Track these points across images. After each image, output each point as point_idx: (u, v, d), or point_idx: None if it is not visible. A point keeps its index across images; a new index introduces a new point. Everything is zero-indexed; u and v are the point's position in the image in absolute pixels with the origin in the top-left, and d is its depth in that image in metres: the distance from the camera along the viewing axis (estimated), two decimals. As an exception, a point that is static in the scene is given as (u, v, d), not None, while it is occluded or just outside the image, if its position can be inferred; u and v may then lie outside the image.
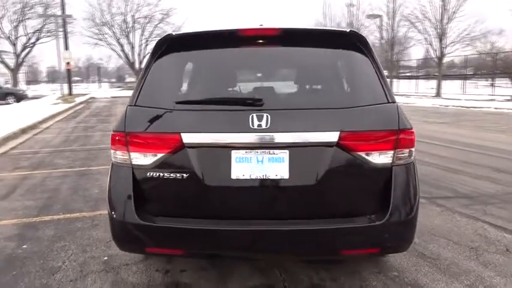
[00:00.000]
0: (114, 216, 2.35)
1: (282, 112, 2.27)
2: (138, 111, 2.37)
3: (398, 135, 2.28)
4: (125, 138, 2.32)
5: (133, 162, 2.32)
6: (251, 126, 2.21)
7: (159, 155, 2.28)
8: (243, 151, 2.25)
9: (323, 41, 2.52)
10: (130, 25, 44.25)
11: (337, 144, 2.22)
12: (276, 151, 2.24)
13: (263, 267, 2.98)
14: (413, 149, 2.38)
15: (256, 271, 2.94)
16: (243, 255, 2.49)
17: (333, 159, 2.24)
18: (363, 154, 2.24)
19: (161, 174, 2.30)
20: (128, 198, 2.33)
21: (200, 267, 2.99)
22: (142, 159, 2.31)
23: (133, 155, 2.32)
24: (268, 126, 2.21)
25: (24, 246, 3.47)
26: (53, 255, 3.27)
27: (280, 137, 2.22)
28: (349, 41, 2.47)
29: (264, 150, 2.25)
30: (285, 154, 2.24)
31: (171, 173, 2.29)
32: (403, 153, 2.32)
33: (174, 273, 2.94)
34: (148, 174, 2.32)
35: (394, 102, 2.37)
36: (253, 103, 2.26)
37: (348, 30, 2.50)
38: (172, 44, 2.49)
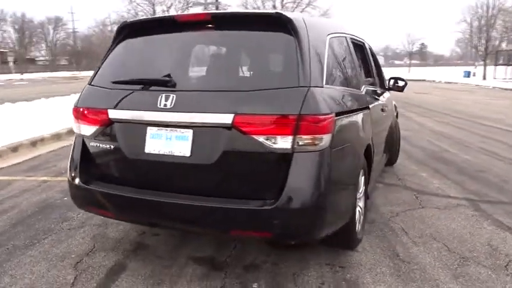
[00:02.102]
0: (68, 177, 2.80)
1: (187, 93, 2.40)
2: (90, 89, 2.76)
3: (298, 121, 2.21)
4: (77, 112, 2.73)
5: (81, 133, 2.73)
6: (158, 106, 2.40)
7: (95, 128, 2.64)
8: (156, 128, 2.46)
9: (249, 24, 2.52)
10: (279, 10, 45.68)
11: (233, 127, 2.27)
12: (182, 130, 2.39)
13: (222, 242, 3.15)
14: (323, 136, 2.27)
15: (212, 245, 3.12)
16: (146, 221, 2.71)
17: (230, 141, 2.30)
18: (260, 138, 2.24)
19: (97, 144, 2.66)
20: (76, 163, 2.75)
21: (171, 235, 3.30)
22: (86, 130, 2.70)
23: (82, 126, 2.72)
24: (172, 106, 2.37)
25: (65, 198, 4.24)
26: (75, 208, 3.93)
27: (182, 117, 2.36)
28: (274, 23, 2.44)
29: (172, 129, 2.42)
30: (188, 133, 2.38)
31: (103, 144, 2.63)
32: (306, 140, 2.23)
33: (146, 236, 3.32)
34: (90, 143, 2.70)
35: (307, 86, 2.27)
36: (164, 84, 2.44)
37: (273, 12, 2.45)
38: (124, 30, 2.80)
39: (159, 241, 3.22)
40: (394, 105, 5.39)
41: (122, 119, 2.54)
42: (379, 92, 4.22)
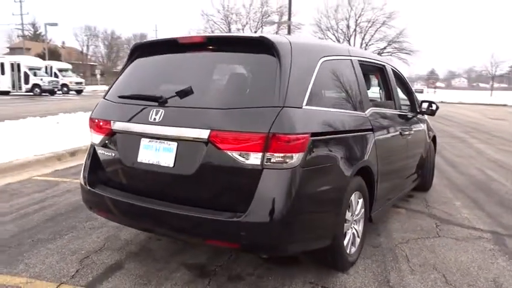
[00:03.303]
0: (80, 180, 3.13)
1: (174, 109, 2.61)
2: (103, 102, 3.08)
3: (268, 139, 2.32)
4: (91, 122, 3.06)
5: (92, 141, 3.06)
6: (149, 120, 2.64)
7: (102, 136, 2.94)
8: (148, 140, 2.70)
9: (238, 46, 2.69)
10: (353, 29, 45.48)
11: (209, 142, 2.43)
12: (169, 142, 2.61)
13: (219, 252, 3.29)
14: (294, 155, 2.36)
15: (208, 253, 3.28)
16: (136, 226, 2.92)
17: (207, 155, 2.46)
18: (233, 153, 2.38)
19: (103, 152, 2.96)
20: (86, 168, 3.08)
21: (173, 241, 3.50)
22: (95, 138, 3.02)
23: (93, 135, 3.04)
24: (160, 120, 2.60)
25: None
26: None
27: (168, 131, 2.58)
28: (260, 46, 2.58)
29: (161, 141, 2.64)
30: (173, 146, 2.59)
31: (107, 151, 2.93)
32: (275, 157, 2.34)
33: (151, 240, 3.55)
34: (98, 151, 3.01)
35: (280, 106, 2.38)
36: (156, 100, 2.67)
37: (258, 36, 2.60)
38: (136, 50, 3.11)
39: (161, 246, 3.44)
40: (429, 129, 5.22)
41: (121, 130, 2.82)
42: (399, 115, 4.15)
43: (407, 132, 4.19)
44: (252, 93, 2.53)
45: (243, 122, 2.40)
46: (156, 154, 2.65)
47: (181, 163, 2.56)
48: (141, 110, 2.71)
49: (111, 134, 2.88)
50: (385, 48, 44.20)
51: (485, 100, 39.26)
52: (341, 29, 45.13)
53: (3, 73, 29.08)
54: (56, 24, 45.23)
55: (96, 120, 2.99)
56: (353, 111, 3.12)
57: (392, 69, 4.35)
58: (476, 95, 51.70)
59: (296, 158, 2.37)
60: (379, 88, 4.38)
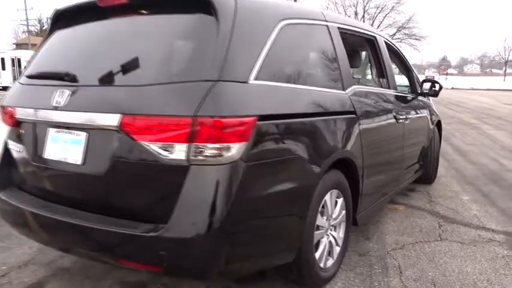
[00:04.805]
0: None
1: (83, 89, 2.00)
2: (15, 86, 2.47)
3: (195, 125, 1.70)
4: (2, 111, 2.46)
5: (3, 134, 2.46)
6: (51, 104, 2.03)
7: (8, 128, 2.35)
8: (55, 129, 2.09)
9: (167, 7, 2.04)
10: (361, 16, 44.34)
11: (121, 130, 1.82)
12: (78, 132, 2.00)
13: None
14: (231, 145, 1.73)
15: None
16: (41, 240, 2.32)
17: (119, 148, 1.85)
18: (151, 145, 1.77)
19: (12, 147, 2.36)
20: None
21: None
22: (4, 131, 2.42)
23: (2, 127, 2.44)
24: (65, 103, 1.99)
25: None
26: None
27: (74, 117, 1.97)
28: (194, 5, 1.95)
29: (70, 131, 2.03)
30: (82, 137, 1.98)
31: (16, 146, 2.32)
32: (206, 150, 1.72)
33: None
34: (6, 145, 2.41)
35: (214, 80, 1.76)
36: (61, 78, 2.06)
37: None
38: (54, 19, 2.49)
39: (99, 258, 2.85)
40: (432, 112, 4.54)
41: (25, 119, 2.22)
42: (395, 95, 3.49)
43: (404, 117, 3.52)
44: (179, 65, 1.90)
45: (163, 103, 1.79)
46: (64, 148, 2.04)
47: (92, 160, 1.95)
48: (46, 93, 2.11)
49: (16, 123, 2.29)
50: (394, 34, 43.02)
51: (498, 86, 37.97)
52: (349, 16, 44.01)
53: (3, 68, 28.76)
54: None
55: (6, 108, 2.39)
56: (327, 89, 2.48)
57: (386, 41, 3.68)
58: (489, 81, 50.23)
59: (235, 149, 1.75)
60: (369, 64, 3.71)
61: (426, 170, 4.56)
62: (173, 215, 1.72)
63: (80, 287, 2.47)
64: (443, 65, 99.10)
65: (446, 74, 76.25)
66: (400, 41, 42.55)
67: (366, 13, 44.25)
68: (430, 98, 4.52)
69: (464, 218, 3.70)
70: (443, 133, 5.20)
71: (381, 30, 43.37)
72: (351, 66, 3.10)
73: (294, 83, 2.19)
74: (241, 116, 1.77)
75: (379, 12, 43.50)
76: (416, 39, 42.23)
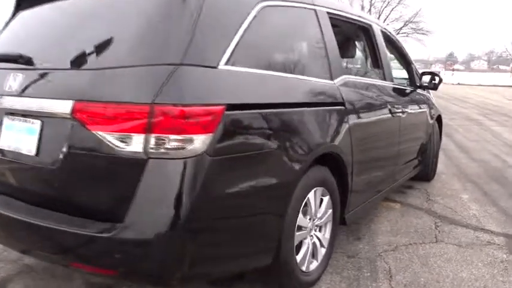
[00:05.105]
0: None
1: (37, 73, 1.81)
2: None
3: (153, 113, 1.52)
4: None
5: None
6: (4, 88, 1.86)
7: None
8: (10, 117, 1.91)
9: None
10: (367, 9, 43.87)
11: (74, 118, 1.64)
12: (33, 120, 1.82)
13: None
14: (195, 137, 1.55)
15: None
16: None
17: (73, 138, 1.67)
18: (106, 135, 1.59)
19: None
20: None
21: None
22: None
23: None
24: (19, 88, 1.82)
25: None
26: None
27: (28, 103, 1.79)
28: None
29: (25, 119, 1.85)
30: (37, 125, 1.80)
31: None
32: (167, 141, 1.53)
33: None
34: None
35: (176, 64, 1.57)
36: (15, 60, 1.87)
37: None
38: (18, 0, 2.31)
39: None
40: (431, 106, 4.32)
41: None
42: (391, 87, 3.29)
43: (400, 110, 3.32)
44: (139, 47, 1.71)
45: (119, 89, 1.60)
46: (18, 137, 1.87)
47: (45, 151, 1.77)
48: (1, 77, 1.93)
49: None
50: (401, 28, 42.55)
51: (505, 82, 37.45)
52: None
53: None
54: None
55: None
56: (311, 78, 2.28)
57: (382, 30, 3.46)
58: (496, 77, 49.63)
59: (199, 142, 1.56)
60: (363, 54, 3.50)
61: (425, 166, 4.35)
62: (128, 213, 1.54)
63: (43, 286, 2.30)
64: (450, 61, 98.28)
65: (453, 70, 75.53)
66: (407, 36, 42.15)
67: (372, 7, 43.79)
68: (430, 91, 4.31)
69: (463, 218, 3.50)
70: (445, 129, 5.00)
71: (388, 24, 43.04)
72: (344, 56, 2.90)
73: (273, 70, 1.99)
74: (207, 104, 1.59)
75: (385, 6, 43.07)
76: (423, 33, 41.80)
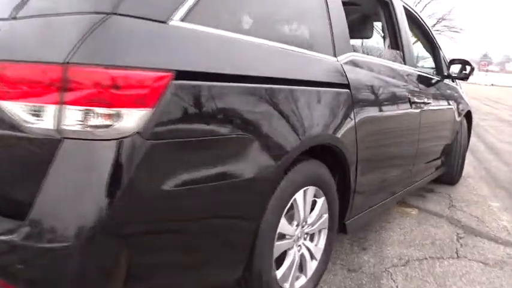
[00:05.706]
0: None
1: None
2: None
3: (66, 77, 1.12)
4: None
5: None
6: None
7: None
8: None
9: None
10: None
11: None
12: None
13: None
14: (124, 112, 1.14)
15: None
16: None
17: None
18: (11, 105, 1.20)
19: None
20: None
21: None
22: None
23: None
24: None
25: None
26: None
27: None
28: None
29: None
30: None
31: None
32: (84, 116, 1.13)
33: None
34: None
35: (105, 12, 1.17)
36: None
37: None
38: None
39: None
40: (459, 101, 3.80)
41: None
42: (412, 74, 2.81)
43: (422, 101, 2.84)
44: None
45: (31, 45, 1.21)
46: None
47: None
48: None
49: None
50: (434, 26, 41.22)
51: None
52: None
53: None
54: None
55: None
56: (305, 50, 1.83)
57: (404, 7, 2.98)
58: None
59: (131, 118, 1.15)
60: (379, 32, 3.02)
61: (449, 168, 3.84)
62: (32, 211, 1.15)
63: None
64: (484, 61, 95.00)
65: (487, 70, 72.95)
66: (440, 33, 40.81)
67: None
68: (458, 82, 3.79)
69: (491, 230, 2.99)
70: (475, 129, 4.46)
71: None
72: (355, 31, 2.44)
73: (248, 34, 1.56)
74: (145, 68, 1.17)
75: (418, 2, 41.82)
76: (455, 31, 40.36)
